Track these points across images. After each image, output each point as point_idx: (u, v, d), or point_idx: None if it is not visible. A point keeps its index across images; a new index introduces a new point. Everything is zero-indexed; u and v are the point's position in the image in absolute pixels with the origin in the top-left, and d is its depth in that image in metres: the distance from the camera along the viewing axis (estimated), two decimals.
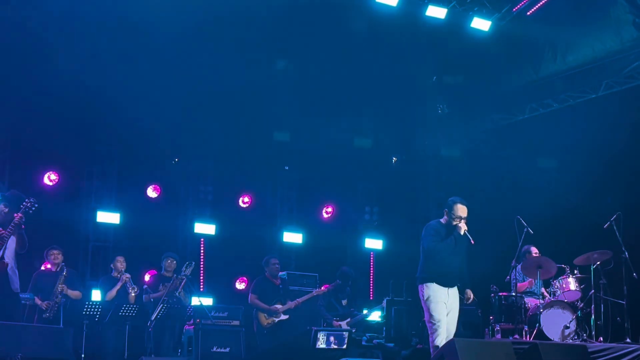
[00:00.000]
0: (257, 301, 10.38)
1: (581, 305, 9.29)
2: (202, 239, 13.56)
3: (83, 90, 11.25)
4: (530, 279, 9.79)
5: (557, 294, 9.43)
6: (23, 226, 7.72)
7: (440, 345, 7.44)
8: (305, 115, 12.94)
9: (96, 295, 10.87)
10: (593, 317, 9.14)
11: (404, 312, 11.05)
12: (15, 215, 7.63)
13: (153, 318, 9.93)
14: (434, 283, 7.67)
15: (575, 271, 9.56)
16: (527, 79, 12.75)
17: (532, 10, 12.08)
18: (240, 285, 13.71)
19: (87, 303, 10.01)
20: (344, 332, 10.00)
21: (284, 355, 9.68)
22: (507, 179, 13.39)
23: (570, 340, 8.89)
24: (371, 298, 14.54)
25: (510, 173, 13.37)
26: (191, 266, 10.29)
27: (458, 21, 12.14)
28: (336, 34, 12.00)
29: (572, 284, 9.44)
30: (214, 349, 10.01)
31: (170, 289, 10.13)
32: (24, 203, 7.62)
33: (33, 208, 7.66)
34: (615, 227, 9.25)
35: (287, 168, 14.49)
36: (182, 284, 10.19)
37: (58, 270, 9.90)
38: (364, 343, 10.94)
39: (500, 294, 9.56)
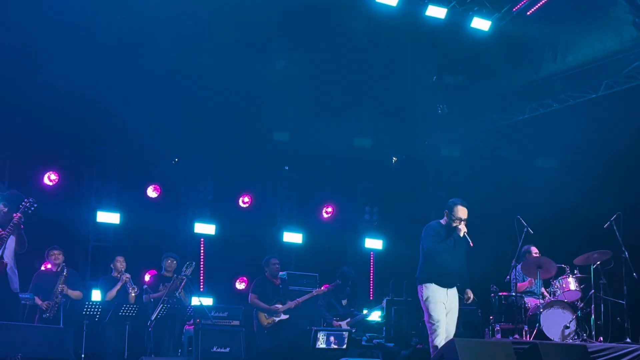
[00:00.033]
0: (257, 301, 10.38)
1: (581, 305, 9.29)
2: (202, 239, 13.56)
3: (83, 90, 11.25)
4: (530, 279, 9.79)
5: (557, 294, 9.43)
6: (22, 226, 7.70)
7: (440, 346, 7.45)
8: (305, 115, 12.95)
9: (96, 295, 10.86)
10: (593, 317, 9.14)
11: (404, 312, 11.05)
12: (15, 215, 7.63)
13: (153, 318, 9.93)
14: (433, 283, 7.68)
15: (575, 271, 9.56)
16: (527, 79, 12.74)
17: (532, 10, 12.08)
18: (240, 285, 13.71)
19: (87, 303, 10.01)
20: (344, 332, 10.00)
21: (284, 355, 9.68)
22: (507, 178, 13.39)
23: (570, 340, 8.89)
24: (371, 298, 14.54)
25: (510, 173, 13.37)
26: (191, 266, 10.29)
27: (458, 21, 12.14)
28: (336, 34, 12.00)
29: (572, 283, 9.44)
30: (214, 349, 10.01)
31: (170, 289, 10.13)
32: (23, 203, 7.61)
33: (32, 208, 7.65)
34: (615, 227, 9.26)
35: (287, 168, 14.49)
36: (183, 284, 10.19)
37: (59, 270, 9.90)
38: (363, 343, 10.94)
39: (500, 293, 9.56)
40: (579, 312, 9.16)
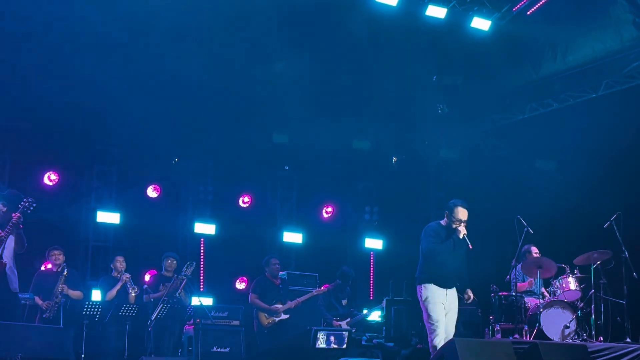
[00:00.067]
0: (257, 301, 10.38)
1: (581, 305, 9.29)
2: (202, 239, 13.56)
3: (83, 90, 11.25)
4: (530, 280, 9.79)
5: (557, 294, 9.43)
6: (21, 226, 7.70)
7: (439, 346, 7.46)
8: (304, 115, 12.92)
9: (96, 295, 10.86)
10: (593, 316, 9.14)
11: (404, 312, 11.04)
12: (14, 215, 7.62)
13: (153, 318, 9.93)
14: (432, 284, 7.70)
15: (576, 271, 9.56)
16: (527, 79, 12.74)
17: (532, 9, 12.07)
18: (240, 285, 13.71)
19: (87, 303, 10.01)
20: (344, 332, 10.00)
21: (284, 354, 9.68)
22: (507, 178, 13.39)
23: (570, 340, 8.89)
24: (371, 298, 14.54)
25: (510, 173, 13.38)
26: (192, 266, 10.28)
27: (458, 21, 12.13)
28: (336, 34, 12.00)
29: (572, 283, 9.44)
30: (214, 349, 10.02)
31: (170, 290, 10.12)
32: (22, 203, 7.60)
33: (31, 208, 7.64)
34: (615, 227, 9.26)
35: (287, 168, 14.49)
36: (183, 284, 10.19)
37: (59, 270, 9.89)
38: (363, 343, 10.94)
39: (500, 293, 9.56)
40: (579, 312, 9.16)
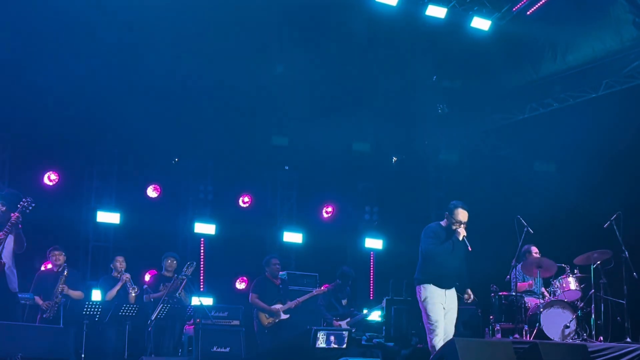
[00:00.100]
0: (257, 301, 10.37)
1: (581, 305, 9.29)
2: (202, 239, 13.57)
3: (83, 90, 11.26)
4: (529, 282, 9.79)
5: (557, 294, 9.42)
6: (20, 225, 7.69)
7: (437, 346, 7.46)
8: (305, 115, 12.93)
9: (96, 295, 10.86)
10: (593, 316, 9.13)
11: (404, 312, 11.03)
12: (12, 214, 7.62)
13: (153, 318, 9.91)
14: (431, 284, 7.70)
15: (576, 271, 9.55)
16: (527, 79, 12.74)
17: (532, 9, 12.07)
18: (240, 285, 13.72)
19: (87, 303, 9.99)
20: (344, 332, 10.00)
21: (284, 354, 9.68)
22: (507, 178, 13.39)
23: (571, 340, 8.89)
24: (371, 298, 14.54)
25: (510, 172, 13.38)
26: (192, 266, 10.27)
27: (458, 21, 12.14)
28: (336, 34, 12.00)
29: (572, 283, 9.44)
30: (214, 349, 10.01)
31: (170, 290, 10.11)
32: (21, 202, 7.60)
33: (30, 207, 7.63)
34: (615, 227, 9.25)
35: (287, 168, 14.50)
36: (183, 284, 10.17)
37: (59, 270, 9.89)
38: (363, 342, 10.93)
39: (500, 293, 9.56)
40: (579, 312, 9.16)
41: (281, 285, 10.71)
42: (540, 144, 13.20)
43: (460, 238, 7.67)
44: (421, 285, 7.74)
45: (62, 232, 11.41)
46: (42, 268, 10.56)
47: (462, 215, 7.72)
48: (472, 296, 7.91)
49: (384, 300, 11.26)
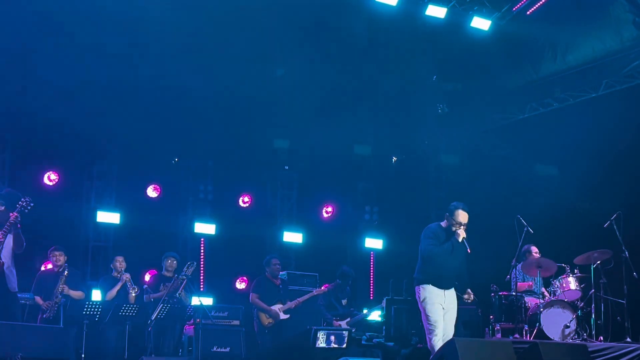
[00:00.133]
0: (258, 301, 10.36)
1: (581, 305, 9.29)
2: (202, 239, 13.57)
3: (83, 90, 11.25)
4: (530, 281, 9.79)
5: (557, 293, 9.42)
6: (19, 225, 7.69)
7: (436, 346, 7.46)
8: (305, 115, 12.93)
9: (96, 295, 10.86)
10: (593, 316, 9.13)
11: (404, 311, 11.02)
12: (11, 214, 7.61)
13: (153, 318, 9.90)
14: (430, 285, 7.69)
15: (576, 270, 9.55)
16: (527, 79, 12.75)
17: (532, 9, 12.08)
18: (240, 285, 13.72)
19: (87, 303, 9.98)
20: (344, 332, 10.00)
21: (284, 354, 9.68)
22: (507, 178, 13.39)
23: (571, 340, 8.89)
24: (371, 298, 14.54)
25: (510, 172, 13.37)
26: (193, 266, 10.26)
27: (458, 20, 12.14)
28: (336, 34, 12.00)
29: (572, 283, 9.44)
30: (215, 349, 10.01)
31: (171, 290, 10.11)
32: (20, 202, 7.59)
33: (29, 207, 7.63)
34: (615, 227, 9.26)
35: (287, 168, 14.50)
36: (183, 284, 10.17)
37: (60, 270, 9.89)
38: (363, 342, 10.93)
39: (501, 293, 9.56)
40: (579, 312, 9.16)
41: (281, 285, 10.71)
42: (541, 143, 13.19)
43: (460, 240, 7.66)
44: (420, 286, 7.74)
45: (62, 232, 11.40)
46: (43, 268, 10.55)
47: (462, 216, 7.71)
48: (472, 296, 7.91)
49: (384, 300, 11.25)
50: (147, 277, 11.77)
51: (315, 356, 9.64)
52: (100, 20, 10.72)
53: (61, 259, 9.93)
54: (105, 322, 9.96)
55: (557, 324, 8.97)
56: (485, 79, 13.21)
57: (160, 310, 9.87)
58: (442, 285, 7.71)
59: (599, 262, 9.30)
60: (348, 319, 10.98)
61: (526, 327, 9.13)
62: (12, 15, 10.30)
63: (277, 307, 10.33)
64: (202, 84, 12.06)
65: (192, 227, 13.39)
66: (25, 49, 10.75)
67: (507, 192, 13.17)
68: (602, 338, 8.99)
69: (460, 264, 7.84)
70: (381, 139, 14.34)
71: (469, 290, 7.90)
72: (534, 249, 9.95)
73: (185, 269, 10.19)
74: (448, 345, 7.17)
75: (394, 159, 15.14)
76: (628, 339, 8.74)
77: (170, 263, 10.56)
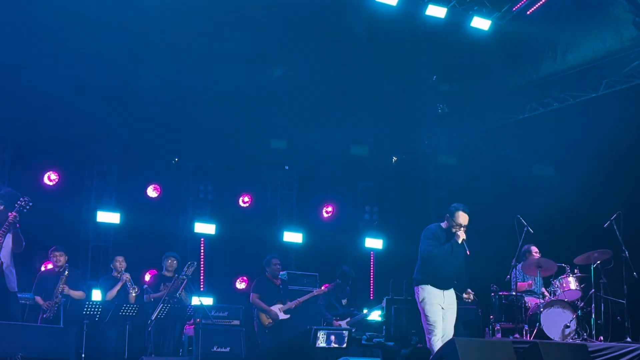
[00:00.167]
0: (258, 301, 10.37)
1: (581, 305, 9.29)
2: (202, 239, 13.58)
3: (83, 90, 11.25)
4: (530, 281, 9.79)
5: (557, 293, 9.43)
6: (18, 225, 7.69)
7: (436, 346, 7.46)
8: (305, 115, 12.93)
9: (96, 295, 10.86)
10: (593, 316, 9.13)
11: (404, 311, 11.02)
12: (10, 214, 7.61)
13: (153, 318, 9.91)
14: (429, 285, 7.71)
15: (576, 270, 9.55)
16: (527, 78, 12.74)
17: (532, 9, 12.07)
18: (240, 285, 13.72)
19: (87, 303, 9.98)
20: (344, 331, 10.00)
21: (284, 354, 9.69)
22: (507, 178, 13.38)
23: (571, 340, 8.89)
24: (371, 297, 14.54)
25: (510, 172, 13.37)
26: (193, 266, 10.26)
27: (458, 20, 12.14)
28: (336, 34, 11.99)
29: (572, 283, 9.44)
30: (215, 349, 10.01)
31: (171, 289, 10.11)
32: (19, 202, 7.59)
33: (28, 207, 7.63)
34: (615, 226, 9.25)
35: (287, 167, 14.50)
36: (183, 284, 10.17)
37: (60, 270, 9.88)
38: (364, 342, 10.93)
39: (501, 293, 9.56)
40: (579, 312, 9.16)
41: (281, 285, 10.71)
42: (541, 144, 13.19)
43: (460, 241, 7.67)
44: (419, 286, 7.76)
45: (62, 232, 11.41)
46: (43, 268, 10.55)
47: (462, 218, 7.72)
48: (472, 295, 7.91)
49: (384, 300, 11.25)
50: (147, 277, 11.77)
51: (315, 356, 9.65)
52: (101, 20, 10.70)
53: (61, 259, 9.93)
54: (106, 322, 9.96)
55: (557, 324, 8.97)
56: (485, 79, 13.20)
57: (161, 310, 9.87)
58: (442, 285, 7.71)
59: (599, 262, 9.30)
60: (348, 319, 10.98)
61: (526, 327, 9.13)
62: (13, 16, 10.30)
63: (277, 307, 10.33)
64: (202, 84, 12.08)
65: (192, 227, 13.39)
66: (26, 50, 10.74)
67: (507, 192, 13.17)
68: (602, 338, 8.99)
69: (460, 265, 7.85)
70: (381, 139, 14.34)
71: (469, 289, 7.90)
72: (534, 249, 9.95)
73: (185, 269, 10.20)
74: (448, 345, 7.17)
75: (394, 159, 15.14)
76: (628, 339, 8.73)
77: (171, 263, 10.56)
